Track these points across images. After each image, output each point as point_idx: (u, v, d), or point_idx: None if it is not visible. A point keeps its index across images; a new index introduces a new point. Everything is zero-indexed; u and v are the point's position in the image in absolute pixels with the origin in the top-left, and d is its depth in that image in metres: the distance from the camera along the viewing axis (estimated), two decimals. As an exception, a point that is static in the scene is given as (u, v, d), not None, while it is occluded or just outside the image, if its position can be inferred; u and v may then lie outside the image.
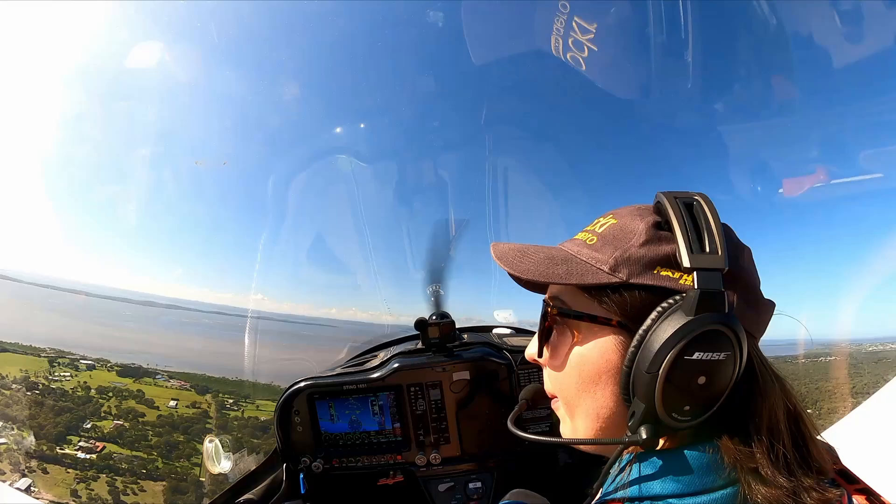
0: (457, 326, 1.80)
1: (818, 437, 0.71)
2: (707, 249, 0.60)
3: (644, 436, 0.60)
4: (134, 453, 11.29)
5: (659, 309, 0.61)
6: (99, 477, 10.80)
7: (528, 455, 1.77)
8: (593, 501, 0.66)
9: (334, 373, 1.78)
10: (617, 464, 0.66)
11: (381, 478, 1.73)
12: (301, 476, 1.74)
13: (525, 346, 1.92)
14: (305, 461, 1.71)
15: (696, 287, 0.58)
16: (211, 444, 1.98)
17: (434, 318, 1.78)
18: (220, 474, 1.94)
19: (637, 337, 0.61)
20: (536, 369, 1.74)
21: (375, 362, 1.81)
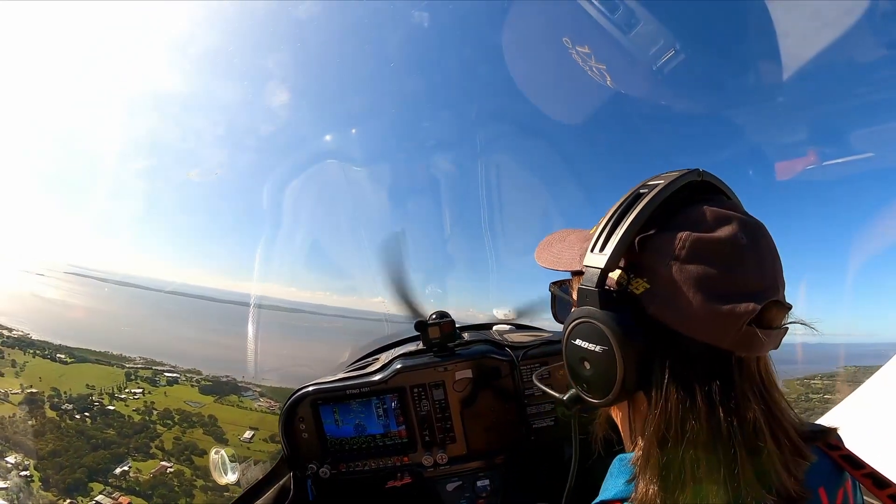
0: (456, 325, 1.80)
1: (816, 425, 0.71)
2: (603, 249, 0.64)
3: (564, 398, 0.75)
4: (164, 519, 8.34)
5: None
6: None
7: (534, 450, 1.77)
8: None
9: (337, 378, 1.78)
10: (620, 463, 0.69)
11: (389, 480, 1.73)
12: (309, 482, 1.73)
13: (526, 342, 1.92)
14: (312, 467, 1.71)
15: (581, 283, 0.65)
16: (217, 456, 1.97)
17: (434, 318, 1.78)
18: (227, 485, 1.93)
19: None
20: (539, 364, 1.75)
21: (377, 365, 1.81)
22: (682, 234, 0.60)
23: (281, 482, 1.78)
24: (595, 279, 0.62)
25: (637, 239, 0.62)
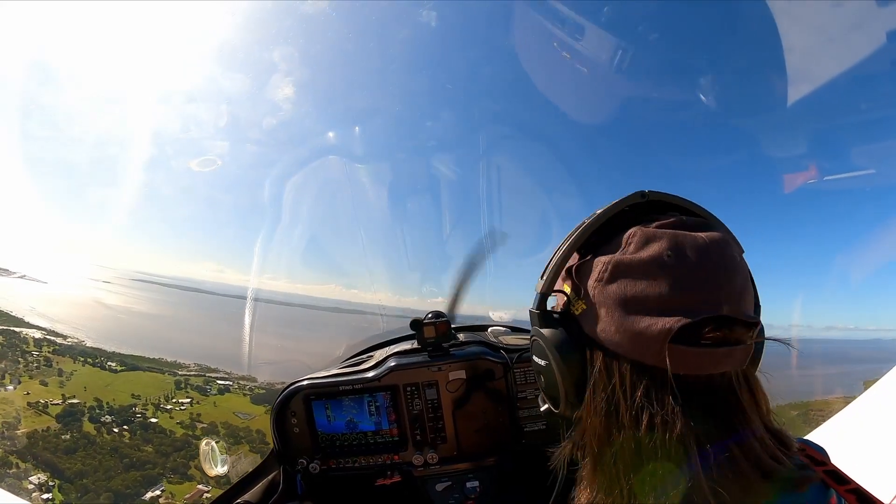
0: (452, 325, 1.80)
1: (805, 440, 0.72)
2: (542, 275, 0.71)
3: (542, 407, 0.80)
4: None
5: None
6: None
7: (524, 452, 1.77)
8: None
9: (330, 373, 1.78)
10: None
11: (378, 478, 1.73)
12: (298, 477, 1.73)
13: (521, 345, 1.93)
14: (303, 462, 1.71)
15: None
16: (207, 447, 1.96)
17: (429, 317, 1.78)
18: (217, 476, 1.93)
19: None
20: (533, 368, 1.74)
21: (371, 362, 1.81)
22: (606, 258, 0.65)
23: (270, 476, 1.78)
24: (536, 301, 0.72)
25: (575, 265, 0.69)
